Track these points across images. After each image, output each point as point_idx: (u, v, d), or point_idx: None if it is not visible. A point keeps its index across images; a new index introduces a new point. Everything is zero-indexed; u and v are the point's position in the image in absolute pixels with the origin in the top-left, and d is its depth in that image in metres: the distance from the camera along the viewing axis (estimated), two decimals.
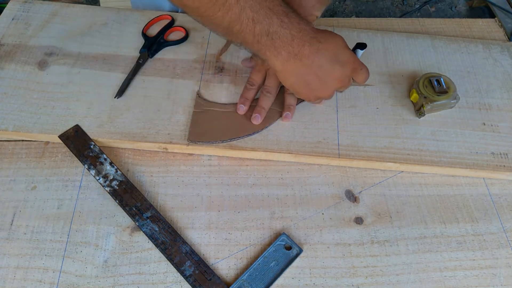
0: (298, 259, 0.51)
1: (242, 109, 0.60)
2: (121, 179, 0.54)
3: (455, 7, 1.44)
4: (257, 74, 0.61)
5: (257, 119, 0.59)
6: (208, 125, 0.59)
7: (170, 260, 0.49)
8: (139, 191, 0.54)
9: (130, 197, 0.53)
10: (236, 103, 0.62)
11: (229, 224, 0.53)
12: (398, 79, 0.67)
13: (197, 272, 0.48)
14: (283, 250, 0.51)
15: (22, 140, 0.59)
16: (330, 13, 1.39)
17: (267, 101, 0.60)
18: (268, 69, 0.60)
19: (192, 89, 0.64)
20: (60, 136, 0.58)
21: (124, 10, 0.75)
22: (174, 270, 0.49)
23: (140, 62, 0.66)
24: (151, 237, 0.50)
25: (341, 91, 0.61)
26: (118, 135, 0.58)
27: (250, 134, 0.59)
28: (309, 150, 0.58)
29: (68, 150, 0.57)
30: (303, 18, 0.51)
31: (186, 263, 0.49)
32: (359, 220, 0.54)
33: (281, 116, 0.61)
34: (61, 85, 0.63)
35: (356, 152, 0.58)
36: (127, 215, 0.52)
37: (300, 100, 0.62)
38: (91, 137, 0.58)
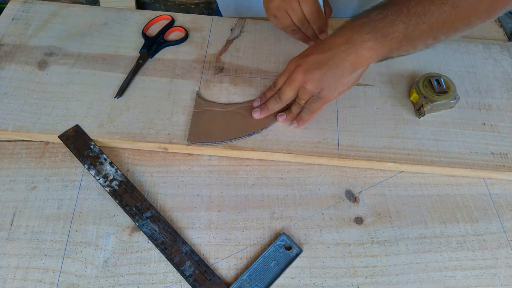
0: (298, 259, 0.51)
1: (257, 114, 0.60)
2: (121, 179, 0.54)
3: None
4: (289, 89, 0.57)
5: (256, 113, 0.60)
6: (208, 125, 0.59)
7: (170, 260, 0.49)
8: (139, 191, 0.54)
9: (130, 197, 0.53)
10: (236, 103, 0.62)
11: (229, 224, 0.53)
12: (398, 79, 0.67)
13: (197, 272, 0.48)
14: (283, 250, 0.51)
15: (22, 140, 0.59)
16: None
17: (274, 105, 0.59)
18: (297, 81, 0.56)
19: (192, 89, 0.64)
20: (60, 136, 0.58)
21: (124, 10, 0.75)
22: (174, 270, 0.49)
23: (140, 62, 0.66)
24: (151, 237, 0.50)
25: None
26: (118, 135, 0.58)
27: (250, 134, 0.59)
28: (309, 150, 0.58)
29: (68, 150, 0.57)
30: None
31: (186, 263, 0.49)
32: (359, 220, 0.54)
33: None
34: (61, 85, 0.63)
35: (356, 152, 0.58)
36: (127, 215, 0.52)
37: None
38: (91, 137, 0.58)
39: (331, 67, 0.53)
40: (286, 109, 0.60)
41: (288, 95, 0.57)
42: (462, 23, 0.49)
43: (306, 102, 0.58)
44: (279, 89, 0.58)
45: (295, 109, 0.59)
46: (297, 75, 0.54)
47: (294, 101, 0.59)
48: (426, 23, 0.48)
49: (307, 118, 0.59)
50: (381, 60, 0.53)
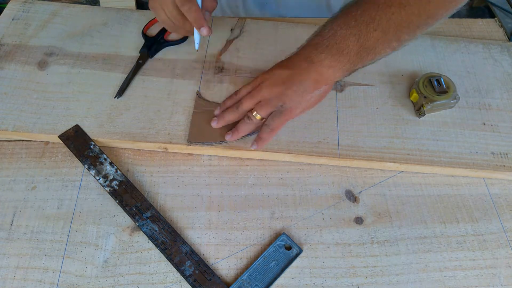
0: (298, 259, 0.51)
1: (215, 124, 0.58)
2: (121, 179, 0.54)
3: None
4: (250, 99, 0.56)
5: (214, 123, 0.58)
6: (208, 125, 0.59)
7: (170, 260, 0.49)
8: (139, 191, 0.54)
9: (130, 197, 0.53)
10: None
11: (229, 224, 0.53)
12: (398, 79, 0.67)
13: (197, 272, 0.48)
14: (283, 250, 0.51)
15: (22, 140, 0.59)
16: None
17: (231, 115, 0.57)
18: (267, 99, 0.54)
19: (192, 89, 0.64)
20: (60, 136, 0.58)
21: (124, 10, 0.75)
22: (174, 270, 0.49)
23: (140, 62, 0.66)
24: (151, 237, 0.50)
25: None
26: (118, 135, 0.58)
27: (250, 134, 0.59)
28: (309, 150, 0.58)
29: (68, 150, 0.57)
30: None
31: (186, 263, 0.49)
32: (359, 220, 0.54)
33: None
34: (61, 85, 0.63)
35: (356, 152, 0.58)
36: (127, 215, 0.52)
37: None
38: (91, 137, 0.58)
39: (294, 82, 0.53)
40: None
41: (247, 106, 0.55)
42: (420, 19, 0.46)
43: (263, 120, 0.56)
44: (240, 99, 0.57)
45: (243, 127, 0.56)
46: (261, 88, 0.54)
47: (241, 119, 0.57)
48: (378, 29, 0.47)
49: (267, 137, 0.56)
50: (348, 74, 0.53)
